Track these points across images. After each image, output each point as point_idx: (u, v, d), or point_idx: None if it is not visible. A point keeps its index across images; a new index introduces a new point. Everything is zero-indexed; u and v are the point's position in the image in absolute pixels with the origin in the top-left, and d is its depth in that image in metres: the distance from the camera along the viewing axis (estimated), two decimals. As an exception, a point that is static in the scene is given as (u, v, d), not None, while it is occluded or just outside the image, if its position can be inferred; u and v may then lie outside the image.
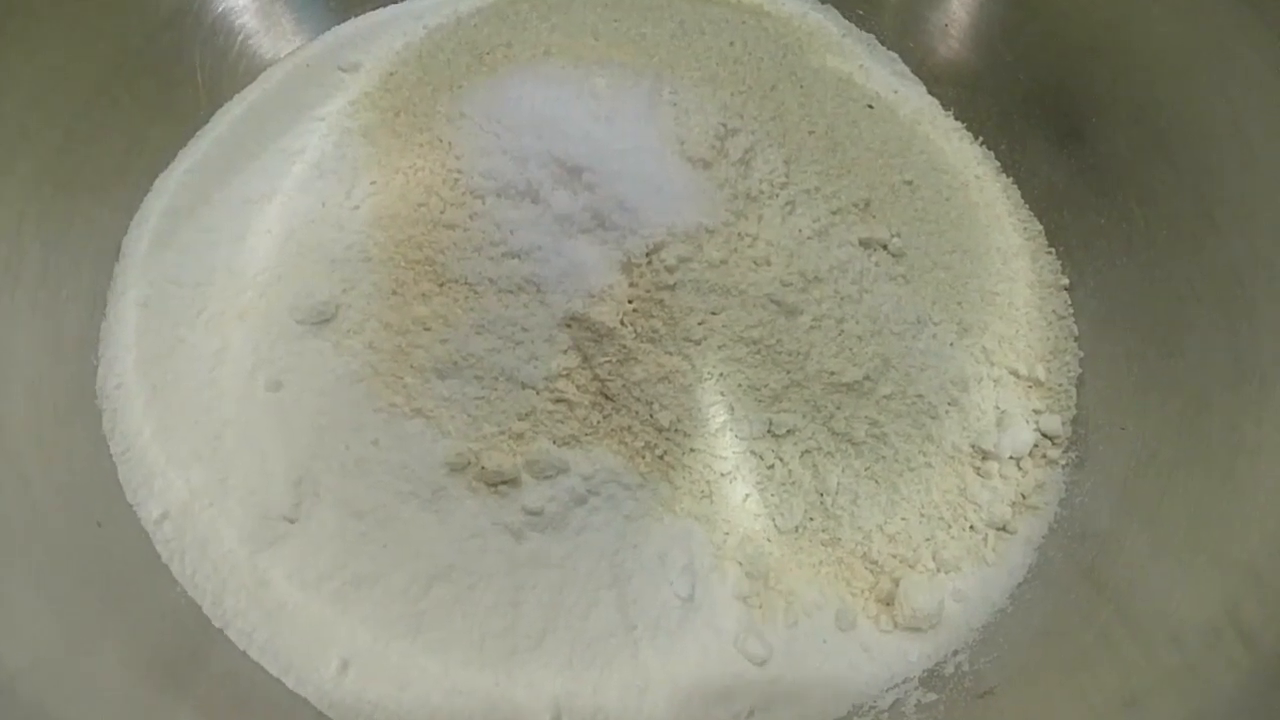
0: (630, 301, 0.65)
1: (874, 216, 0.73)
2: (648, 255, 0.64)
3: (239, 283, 0.72)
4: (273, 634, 0.61)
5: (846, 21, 0.91)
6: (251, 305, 0.70)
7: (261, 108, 0.82)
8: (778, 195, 0.68)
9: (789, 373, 0.65)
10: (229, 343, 0.69)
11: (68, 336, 0.67)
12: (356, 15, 0.89)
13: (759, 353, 0.65)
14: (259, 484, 0.65)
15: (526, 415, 0.65)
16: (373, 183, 0.71)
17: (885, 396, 0.67)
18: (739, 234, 0.66)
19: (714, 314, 0.64)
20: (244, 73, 0.83)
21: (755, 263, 0.65)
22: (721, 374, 0.65)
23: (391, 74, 0.79)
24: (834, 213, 0.70)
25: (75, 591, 0.58)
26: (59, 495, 0.61)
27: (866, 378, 0.66)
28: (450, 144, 0.69)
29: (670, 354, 0.65)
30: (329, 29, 0.88)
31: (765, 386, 0.65)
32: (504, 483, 0.64)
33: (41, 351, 0.65)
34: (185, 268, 0.73)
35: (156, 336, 0.70)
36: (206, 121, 0.81)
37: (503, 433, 0.65)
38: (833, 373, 0.65)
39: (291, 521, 0.65)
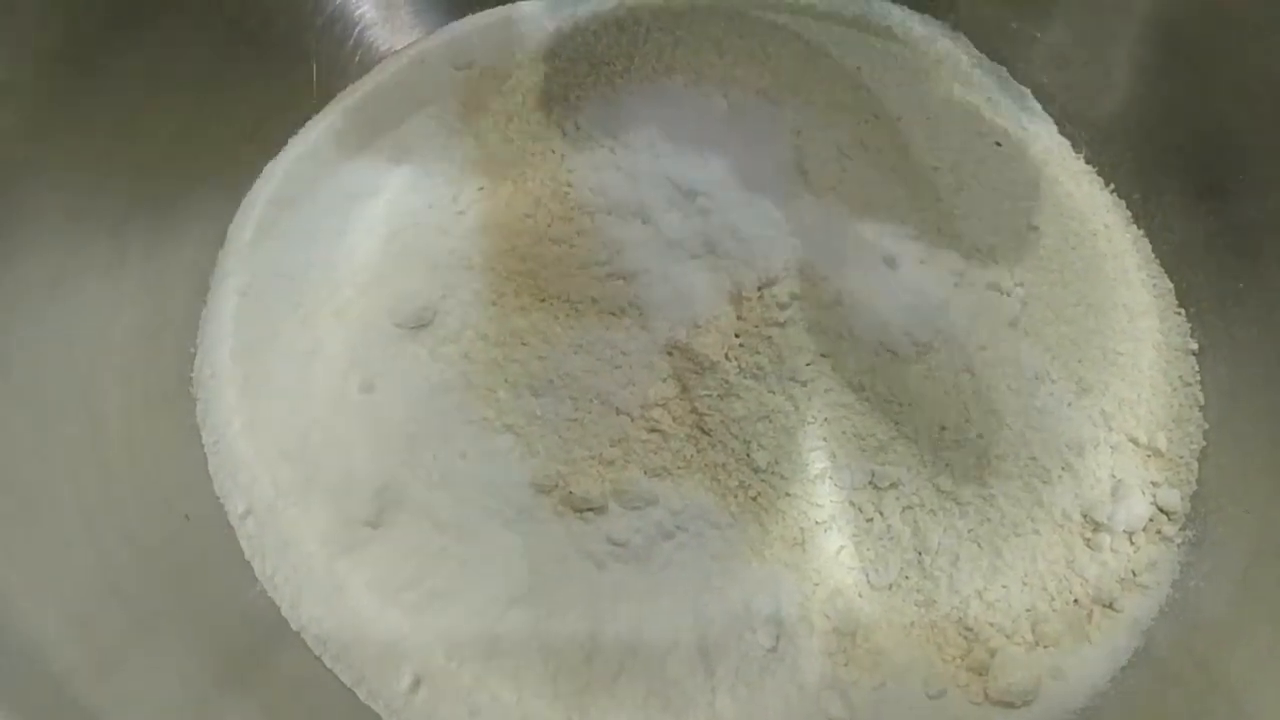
0: (736, 335, 0.62)
1: (997, 262, 0.69)
2: (759, 289, 0.62)
3: (338, 279, 0.71)
4: (347, 643, 0.60)
5: (978, 52, 0.87)
6: (350, 303, 0.70)
7: (374, 101, 0.81)
8: (899, 235, 0.65)
9: (897, 424, 0.62)
10: (324, 340, 0.69)
11: (169, 322, 0.67)
12: (475, 12, 0.87)
13: (867, 400, 0.62)
14: (344, 487, 0.64)
15: (619, 442, 0.63)
16: (480, 189, 0.70)
17: (997, 456, 0.63)
18: (856, 274, 0.63)
19: (824, 356, 0.62)
20: (360, 64, 0.83)
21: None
22: (826, 419, 0.62)
23: (507, 77, 0.77)
24: (957, 257, 0.67)
25: (149, 585, 0.57)
26: (145, 484, 0.60)
27: (979, 435, 0.62)
28: (563, 156, 0.68)
29: (774, 393, 0.62)
30: (446, 25, 0.87)
31: (871, 436, 0.62)
32: (590, 509, 0.63)
33: (141, 336, 0.65)
34: (287, 259, 0.72)
35: (254, 328, 0.69)
36: (319, 110, 0.80)
37: (593, 457, 0.63)
38: (944, 427, 0.62)
39: (374, 528, 0.64)
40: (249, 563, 0.62)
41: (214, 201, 0.73)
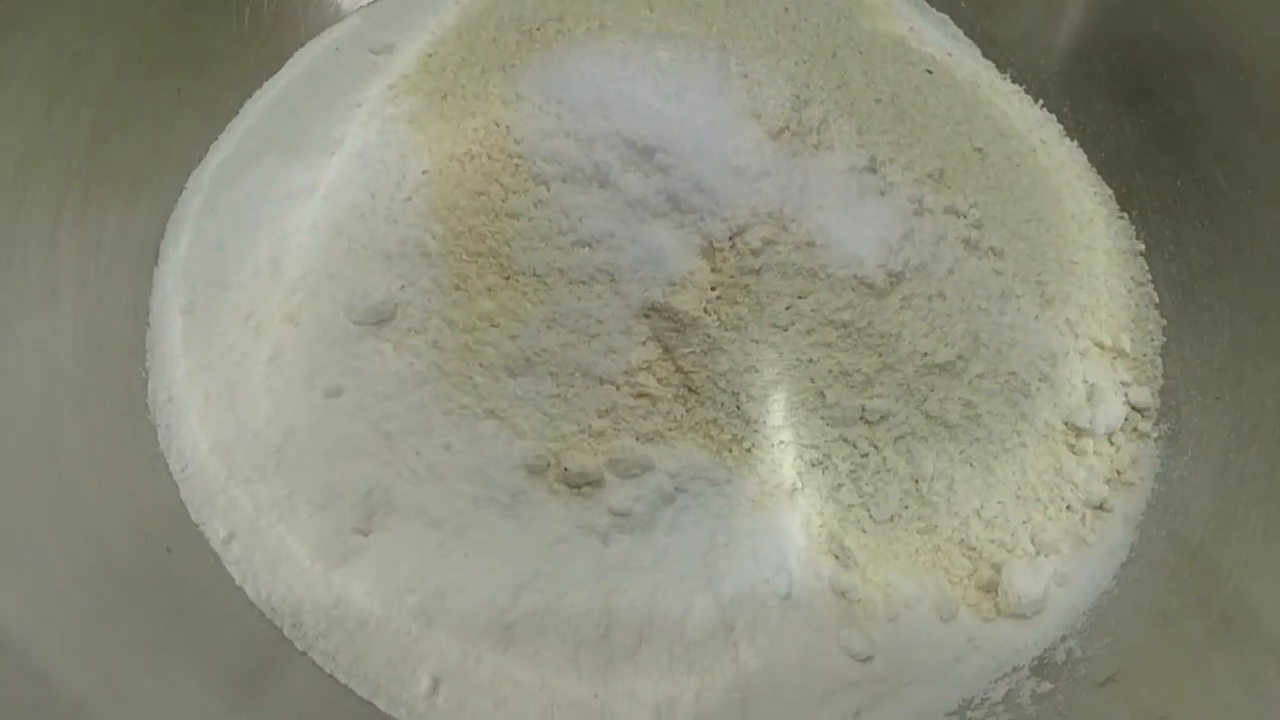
0: (713, 288, 0.61)
1: (949, 186, 0.69)
2: (731, 239, 0.61)
3: (286, 283, 0.68)
4: (357, 655, 0.58)
5: (894, -20, 0.87)
6: (303, 306, 0.66)
7: (292, 96, 0.77)
8: (857, 169, 0.65)
9: (881, 355, 0.62)
10: (282, 348, 0.66)
11: (113, 349, 0.64)
12: (382, -9, 0.84)
13: (849, 336, 0.62)
14: (328, 496, 0.62)
15: (606, 412, 0.62)
16: (424, 172, 0.67)
17: (978, 375, 0.64)
18: (823, 212, 0.62)
19: (801, 298, 0.61)
20: (271, 57, 0.79)
21: (842, 242, 0.62)
22: (811, 360, 0.62)
23: (431, 55, 0.74)
24: (912, 184, 0.67)
25: (146, 617, 0.55)
26: (121, 520, 0.57)
27: (959, 357, 0.63)
28: (508, 128, 0.65)
29: (757, 341, 0.61)
30: (357, 9, 0.83)
31: (857, 371, 0.62)
32: (587, 484, 0.61)
33: (88, 367, 0.61)
34: (227, 269, 0.69)
35: (204, 344, 0.66)
36: (236, 113, 0.76)
37: (582, 431, 0.62)
38: (925, 354, 0.62)
39: (365, 534, 0.61)
40: (240, 588, 0.59)
41: (140, 217, 0.69)
